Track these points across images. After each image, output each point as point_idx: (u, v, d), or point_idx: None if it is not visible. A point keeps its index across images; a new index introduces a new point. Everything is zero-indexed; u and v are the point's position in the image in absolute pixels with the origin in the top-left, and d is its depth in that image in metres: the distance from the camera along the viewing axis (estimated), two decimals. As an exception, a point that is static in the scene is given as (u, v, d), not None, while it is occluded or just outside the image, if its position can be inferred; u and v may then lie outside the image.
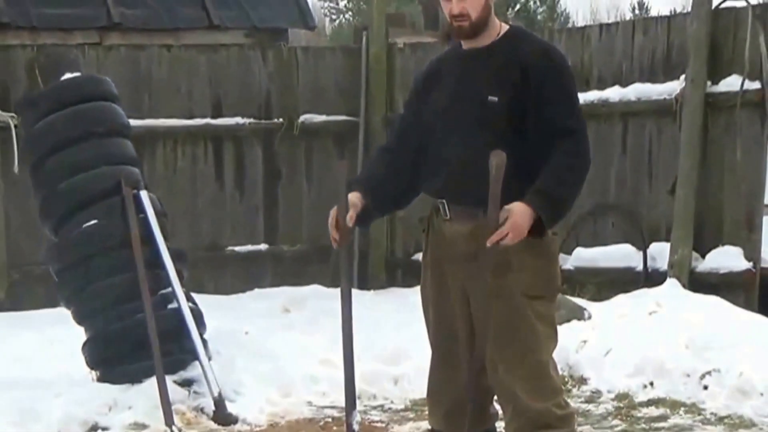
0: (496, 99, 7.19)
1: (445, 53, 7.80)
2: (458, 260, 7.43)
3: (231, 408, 11.48)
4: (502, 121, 7.20)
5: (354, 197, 7.48)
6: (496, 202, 6.89)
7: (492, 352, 7.32)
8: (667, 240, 15.16)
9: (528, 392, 7.33)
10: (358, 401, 12.00)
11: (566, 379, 12.40)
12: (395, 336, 12.42)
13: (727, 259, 14.88)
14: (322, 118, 17.94)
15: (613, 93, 15.84)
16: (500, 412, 7.80)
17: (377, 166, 7.80)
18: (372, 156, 7.83)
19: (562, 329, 11.54)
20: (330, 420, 11.52)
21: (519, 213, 6.91)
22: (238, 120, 17.55)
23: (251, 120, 17.61)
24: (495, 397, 7.77)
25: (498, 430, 7.92)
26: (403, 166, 7.66)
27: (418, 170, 7.63)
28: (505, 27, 7.56)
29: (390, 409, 11.89)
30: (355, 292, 17.12)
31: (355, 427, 7.77)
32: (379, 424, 11.44)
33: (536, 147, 7.18)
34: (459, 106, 7.40)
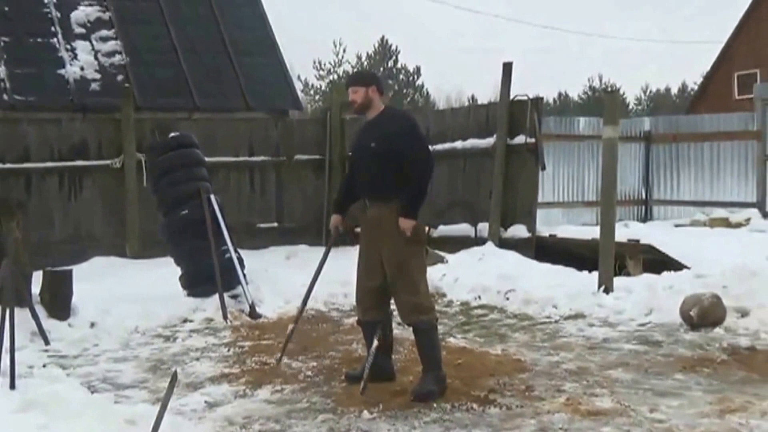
0: (374, 145, 7.59)
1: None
2: (372, 228, 7.71)
3: (258, 310, 11.46)
4: (380, 157, 7.55)
5: (338, 219, 8.40)
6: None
7: (393, 277, 7.58)
8: (486, 221, 15.14)
9: (409, 294, 7.56)
10: (323, 306, 11.96)
11: (435, 295, 12.32)
12: (344, 272, 12.22)
13: (518, 230, 14.90)
14: (306, 156, 17.76)
15: (459, 144, 15.79)
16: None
17: (344, 192, 8.36)
18: (342, 183, 8.29)
19: (432, 269, 11.61)
20: (310, 316, 11.36)
21: (406, 224, 7.48)
22: (263, 158, 17.39)
23: (269, 158, 17.44)
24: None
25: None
26: (353, 186, 8.06)
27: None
28: (382, 107, 7.86)
29: (341, 310, 11.82)
30: (323, 249, 17.15)
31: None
32: (336, 316, 11.39)
33: (406, 167, 7.51)
34: (363, 151, 7.77)
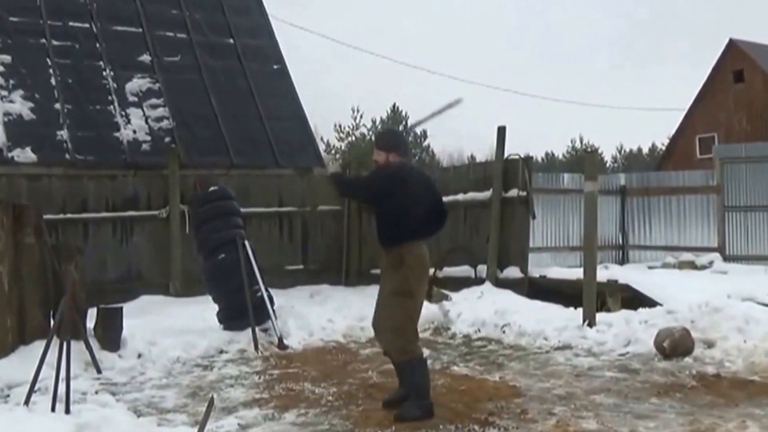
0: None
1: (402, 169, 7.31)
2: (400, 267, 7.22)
3: (286, 342, 11.28)
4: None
5: None
6: None
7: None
8: (485, 263, 14.98)
9: (389, 334, 7.21)
10: (343, 338, 11.78)
11: (440, 330, 12.28)
12: (361, 308, 12.23)
13: (513, 272, 14.72)
14: (327, 207, 17.66)
15: (460, 196, 15.67)
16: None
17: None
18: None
19: (437, 306, 11.40)
20: (331, 347, 11.30)
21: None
22: (290, 208, 17.31)
23: (296, 208, 17.36)
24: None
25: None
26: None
27: None
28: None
29: (358, 342, 11.68)
30: (343, 287, 16.97)
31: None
32: (353, 347, 11.23)
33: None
34: (427, 201, 7.26)
